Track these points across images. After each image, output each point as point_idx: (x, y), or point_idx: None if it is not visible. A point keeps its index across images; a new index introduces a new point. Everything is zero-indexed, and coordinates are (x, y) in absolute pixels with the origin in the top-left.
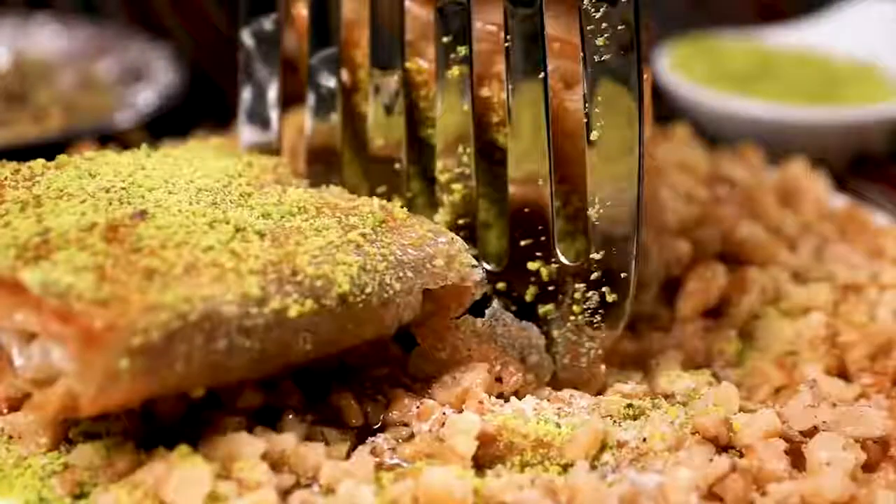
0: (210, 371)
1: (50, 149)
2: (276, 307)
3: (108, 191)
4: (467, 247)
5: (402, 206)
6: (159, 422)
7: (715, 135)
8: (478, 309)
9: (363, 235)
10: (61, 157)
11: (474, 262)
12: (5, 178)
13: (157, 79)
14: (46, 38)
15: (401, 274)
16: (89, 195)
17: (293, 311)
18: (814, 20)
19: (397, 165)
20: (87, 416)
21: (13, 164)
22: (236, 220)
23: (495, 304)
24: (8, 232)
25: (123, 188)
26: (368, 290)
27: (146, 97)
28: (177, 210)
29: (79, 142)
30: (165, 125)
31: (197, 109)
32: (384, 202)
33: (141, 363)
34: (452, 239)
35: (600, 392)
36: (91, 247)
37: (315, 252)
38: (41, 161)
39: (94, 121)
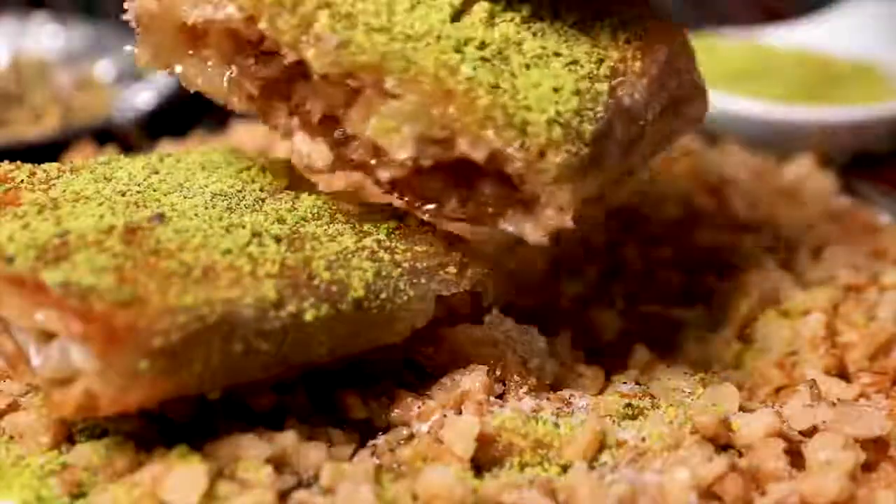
0: (227, 373)
1: (48, 148)
2: (292, 311)
3: (124, 194)
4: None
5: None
6: (168, 422)
7: (715, 134)
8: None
9: (377, 242)
10: (76, 161)
11: (486, 269)
12: (22, 181)
13: (155, 79)
14: (45, 38)
15: (414, 280)
16: (106, 198)
17: (309, 315)
18: (814, 20)
19: None
20: (104, 416)
21: (29, 167)
22: (252, 225)
23: (495, 311)
24: (27, 233)
25: (139, 192)
26: (383, 295)
27: (145, 97)
28: (193, 214)
29: (76, 142)
30: (164, 125)
31: (195, 109)
32: (396, 209)
33: (160, 364)
34: (464, 247)
35: (600, 392)
36: (110, 249)
37: (331, 257)
38: (56, 164)
39: (91, 121)
